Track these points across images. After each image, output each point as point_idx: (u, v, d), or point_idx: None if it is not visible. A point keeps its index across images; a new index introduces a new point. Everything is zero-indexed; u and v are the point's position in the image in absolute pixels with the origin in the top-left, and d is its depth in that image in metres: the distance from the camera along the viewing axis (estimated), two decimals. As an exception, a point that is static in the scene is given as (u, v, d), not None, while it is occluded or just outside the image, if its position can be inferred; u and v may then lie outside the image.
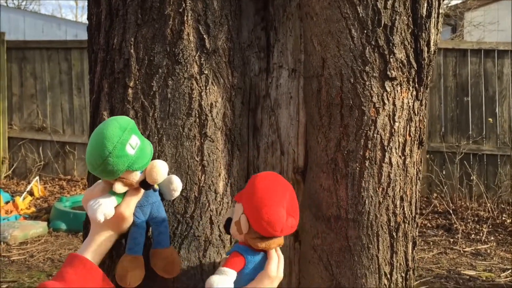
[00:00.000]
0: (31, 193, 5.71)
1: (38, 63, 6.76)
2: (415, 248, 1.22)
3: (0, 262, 3.83)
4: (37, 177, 6.02)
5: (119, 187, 0.94)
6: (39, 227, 4.50)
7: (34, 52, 6.77)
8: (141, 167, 0.95)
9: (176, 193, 1.03)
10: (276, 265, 0.96)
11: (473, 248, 4.16)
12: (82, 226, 1.18)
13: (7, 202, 5.12)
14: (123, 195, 0.97)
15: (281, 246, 0.98)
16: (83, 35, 10.77)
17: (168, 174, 1.05)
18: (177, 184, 1.02)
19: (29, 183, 6.07)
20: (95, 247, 0.97)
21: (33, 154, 6.65)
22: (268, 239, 0.94)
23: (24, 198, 5.33)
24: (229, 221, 1.00)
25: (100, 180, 1.00)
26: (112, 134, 0.91)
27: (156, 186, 1.02)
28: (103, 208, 0.91)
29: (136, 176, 0.95)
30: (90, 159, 0.93)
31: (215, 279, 0.91)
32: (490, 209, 4.85)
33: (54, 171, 6.68)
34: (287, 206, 0.94)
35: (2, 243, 4.20)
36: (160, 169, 0.95)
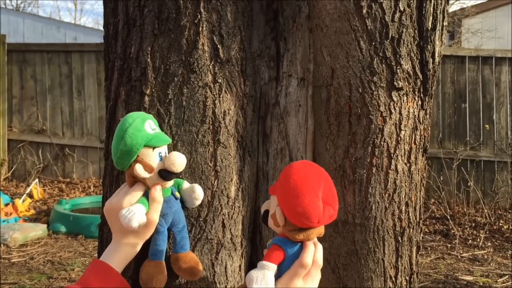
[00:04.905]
0: (30, 196, 5.72)
1: (38, 66, 6.80)
2: (419, 252, 1.26)
3: (0, 264, 3.85)
4: (37, 180, 6.04)
5: (139, 169, 0.97)
6: (39, 230, 4.52)
7: (35, 55, 6.80)
8: (158, 144, 0.99)
9: (198, 202, 1.07)
10: (312, 254, 0.94)
11: (470, 253, 4.21)
12: (98, 229, 1.22)
13: (6, 204, 5.13)
14: (148, 203, 1.00)
15: (321, 235, 0.96)
16: (82, 38, 10.81)
17: (182, 178, 1.10)
18: (199, 193, 1.06)
19: (28, 185, 6.09)
20: (119, 255, 0.99)
21: (33, 156, 6.67)
22: (306, 230, 0.92)
23: (23, 201, 5.35)
24: (266, 213, 0.99)
25: (121, 187, 1.04)
26: (133, 114, 1.01)
27: (177, 194, 1.05)
28: (137, 216, 0.94)
29: (155, 159, 0.99)
30: (113, 143, 1.00)
31: (255, 274, 0.89)
32: (487, 215, 4.90)
33: (53, 173, 6.70)
34: (323, 195, 0.92)
35: (2, 245, 4.22)
36: (178, 156, 0.99)
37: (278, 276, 0.93)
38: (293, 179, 0.91)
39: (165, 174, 0.99)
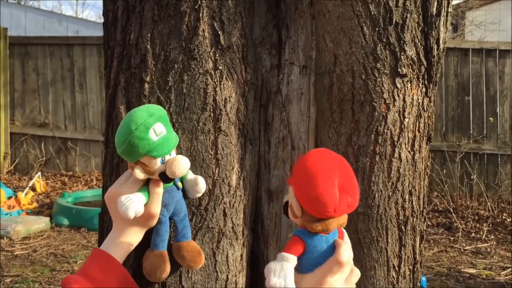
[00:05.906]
0: (33, 189, 5.73)
1: (40, 59, 6.79)
2: (423, 242, 1.25)
3: (3, 257, 3.86)
4: (39, 173, 6.05)
5: (139, 173, 0.95)
6: (42, 222, 4.54)
7: (37, 48, 6.80)
8: (160, 155, 0.95)
9: (199, 195, 1.06)
10: (347, 251, 0.90)
11: (473, 246, 4.20)
12: (98, 218, 1.21)
13: (9, 198, 5.15)
14: (148, 193, 0.99)
15: (343, 226, 0.93)
16: (84, 31, 10.79)
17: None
18: (201, 186, 1.04)
19: (31, 178, 6.10)
20: (121, 244, 0.97)
21: (35, 150, 6.68)
22: (324, 220, 0.89)
23: (26, 194, 5.36)
24: (287, 204, 0.96)
25: (124, 174, 1.02)
26: (138, 116, 0.94)
27: (179, 185, 1.04)
28: (135, 205, 0.92)
29: (155, 165, 0.96)
30: (116, 138, 0.96)
31: (273, 266, 0.86)
32: (490, 208, 4.89)
33: (56, 167, 6.71)
34: (339, 183, 0.88)
35: (5, 238, 4.23)
36: (181, 164, 0.95)
37: (299, 268, 0.90)
38: (307, 166, 0.88)
39: (164, 178, 0.97)
